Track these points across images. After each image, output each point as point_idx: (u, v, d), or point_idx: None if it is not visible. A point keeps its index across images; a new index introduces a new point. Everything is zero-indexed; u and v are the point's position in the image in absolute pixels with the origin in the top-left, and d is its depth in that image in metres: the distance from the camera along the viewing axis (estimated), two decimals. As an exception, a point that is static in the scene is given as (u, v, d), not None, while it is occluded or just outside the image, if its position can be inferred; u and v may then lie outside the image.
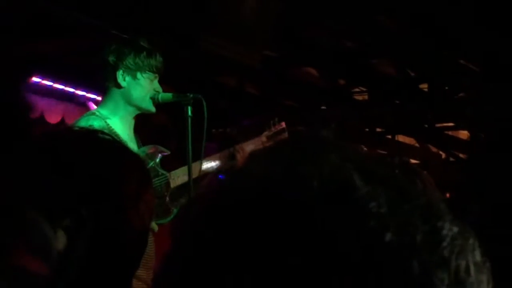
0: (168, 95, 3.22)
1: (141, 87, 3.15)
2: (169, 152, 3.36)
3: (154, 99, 3.20)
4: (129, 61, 3.12)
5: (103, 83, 3.20)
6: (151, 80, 3.19)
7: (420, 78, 7.62)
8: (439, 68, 6.99)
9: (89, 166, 1.17)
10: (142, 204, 1.20)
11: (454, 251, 0.50)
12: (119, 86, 3.14)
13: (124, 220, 1.17)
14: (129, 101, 3.16)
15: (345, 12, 5.61)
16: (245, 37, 4.81)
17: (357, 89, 8.13)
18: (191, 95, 3.18)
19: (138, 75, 3.14)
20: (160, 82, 3.25)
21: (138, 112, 3.21)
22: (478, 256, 0.52)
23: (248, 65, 5.06)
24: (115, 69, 3.13)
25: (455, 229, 0.51)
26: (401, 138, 9.53)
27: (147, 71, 3.16)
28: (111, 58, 3.13)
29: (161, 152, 3.35)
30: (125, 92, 3.14)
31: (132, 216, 1.18)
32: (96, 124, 3.03)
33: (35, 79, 6.30)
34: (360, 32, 6.20)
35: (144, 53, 3.15)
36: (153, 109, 3.23)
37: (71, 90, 6.64)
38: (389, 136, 9.47)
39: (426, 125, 8.94)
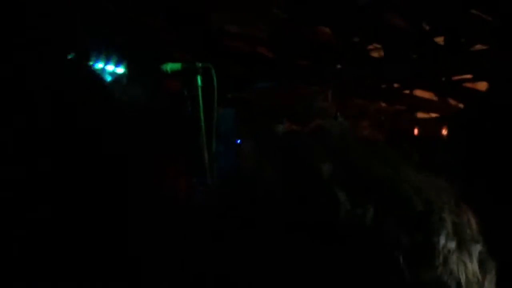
0: (177, 65, 3.23)
1: None
2: None
3: (163, 70, 3.22)
4: None
5: None
6: None
7: (435, 31, 7.53)
8: (453, 21, 6.91)
9: None
10: None
11: None
12: None
13: None
14: None
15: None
16: (253, 9, 4.78)
17: (371, 47, 8.07)
18: (200, 64, 3.19)
19: None
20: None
21: None
22: None
23: (257, 37, 5.05)
24: None
25: None
26: (419, 92, 9.48)
27: None
28: None
29: None
30: None
31: None
32: None
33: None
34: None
35: None
36: None
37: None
38: (407, 91, 9.42)
39: (444, 79, 8.87)
